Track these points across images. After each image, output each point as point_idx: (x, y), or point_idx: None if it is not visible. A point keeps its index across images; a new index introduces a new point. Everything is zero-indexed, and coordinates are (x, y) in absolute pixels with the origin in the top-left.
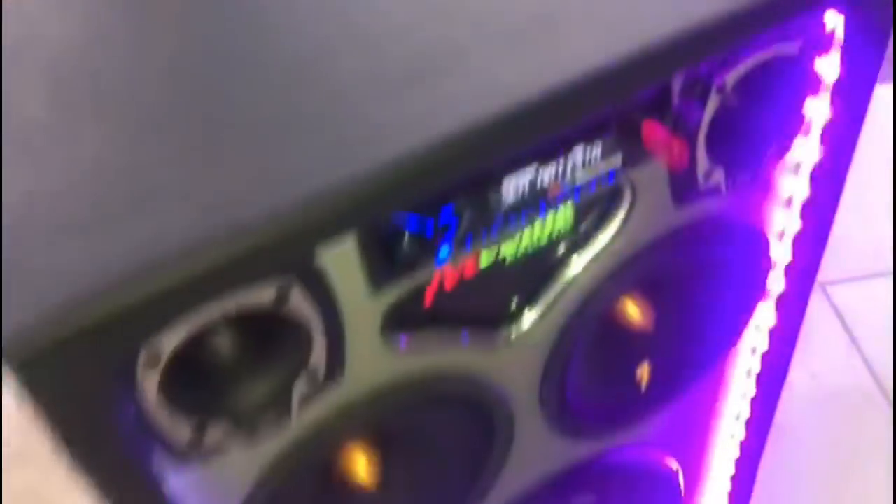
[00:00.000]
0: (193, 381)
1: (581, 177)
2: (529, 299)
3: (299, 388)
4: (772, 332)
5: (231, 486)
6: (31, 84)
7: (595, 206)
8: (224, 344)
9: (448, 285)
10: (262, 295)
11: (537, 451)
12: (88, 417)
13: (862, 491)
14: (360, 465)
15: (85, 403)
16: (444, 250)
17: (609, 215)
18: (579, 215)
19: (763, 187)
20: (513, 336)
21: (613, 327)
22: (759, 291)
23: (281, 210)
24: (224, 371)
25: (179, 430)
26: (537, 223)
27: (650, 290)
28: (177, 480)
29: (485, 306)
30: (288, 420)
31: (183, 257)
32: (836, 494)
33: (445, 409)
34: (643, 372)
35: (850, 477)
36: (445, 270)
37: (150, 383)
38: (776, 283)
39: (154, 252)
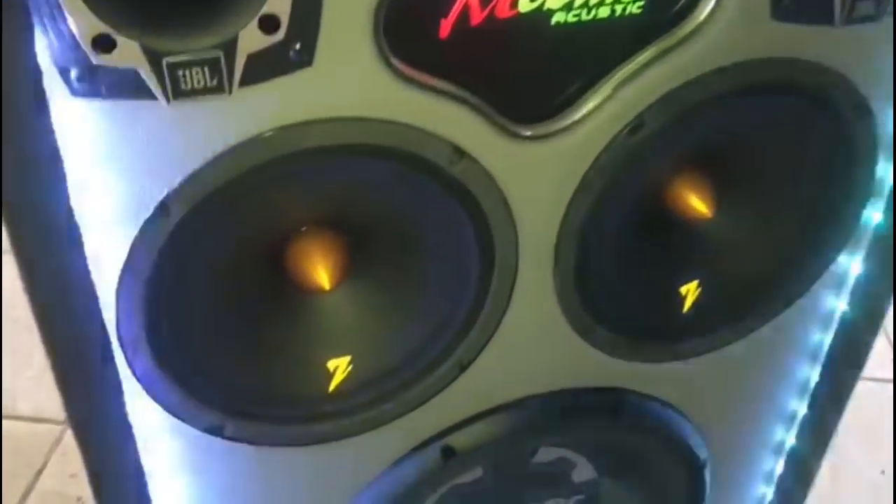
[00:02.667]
0: None
1: None
2: (568, 91)
3: (247, 40)
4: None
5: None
6: None
7: None
8: None
9: (474, 19)
10: None
11: (537, 325)
12: None
13: None
14: (316, 257)
15: None
16: None
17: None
18: None
19: None
20: (534, 134)
21: (664, 215)
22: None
23: None
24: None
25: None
26: None
27: (721, 168)
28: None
29: (511, 77)
30: (225, 89)
31: None
32: None
33: (431, 199)
34: (689, 291)
35: None
36: None
37: None
38: None
39: None
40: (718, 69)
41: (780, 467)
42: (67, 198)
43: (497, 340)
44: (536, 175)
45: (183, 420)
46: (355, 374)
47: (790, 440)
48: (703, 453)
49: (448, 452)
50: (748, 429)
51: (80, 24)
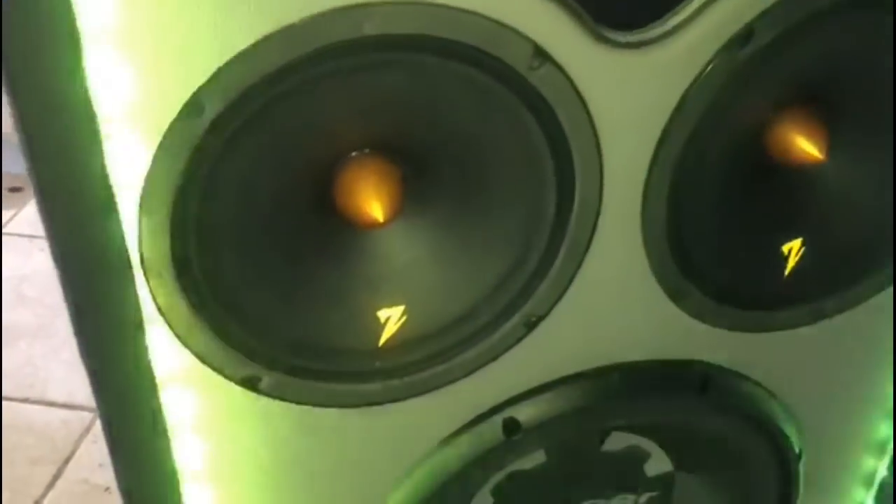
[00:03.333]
0: None
1: None
2: None
3: None
4: None
5: None
6: None
7: None
8: None
9: None
10: None
11: (619, 278)
12: None
13: None
14: (368, 185)
15: None
16: None
17: None
18: None
19: None
20: (629, 41)
21: (768, 159)
22: None
23: None
24: None
25: None
26: None
27: (836, 104)
28: None
29: None
30: None
31: None
32: None
33: (503, 116)
34: (792, 250)
35: None
36: None
37: None
38: None
39: None
40: None
41: (882, 469)
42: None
43: (572, 294)
44: (629, 90)
45: (214, 369)
46: (409, 326)
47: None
48: (797, 444)
49: (511, 426)
50: (847, 421)
51: None
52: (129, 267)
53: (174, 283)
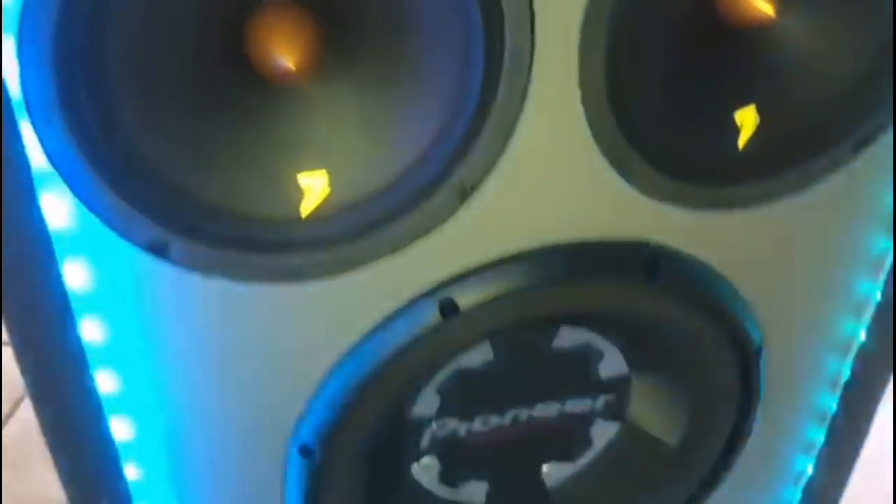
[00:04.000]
0: None
1: None
2: None
3: None
4: None
5: None
6: None
7: None
8: None
9: None
10: None
11: (557, 144)
12: None
13: None
14: (279, 33)
15: None
16: None
17: None
18: None
19: None
20: None
21: (717, 16)
22: None
23: None
24: None
25: None
26: None
27: None
28: None
29: None
30: None
31: None
32: None
33: None
34: (745, 119)
35: None
36: None
37: None
38: None
39: None
40: None
41: (847, 371)
42: None
43: (506, 162)
44: None
45: (118, 233)
46: (333, 194)
47: (862, 336)
48: (757, 335)
49: (448, 307)
50: (811, 318)
51: None
52: None
53: (62, 124)
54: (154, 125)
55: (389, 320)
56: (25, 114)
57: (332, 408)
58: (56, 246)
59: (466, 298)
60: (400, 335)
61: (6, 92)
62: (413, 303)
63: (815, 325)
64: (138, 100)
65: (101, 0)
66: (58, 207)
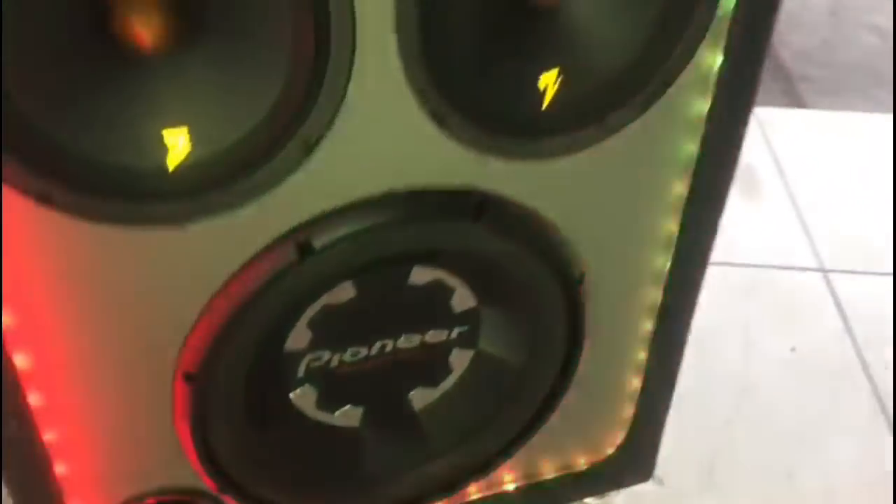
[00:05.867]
0: None
1: None
2: None
3: None
4: None
5: None
6: None
7: None
8: None
9: None
10: None
11: (385, 103)
12: None
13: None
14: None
15: None
16: None
17: None
18: None
19: None
20: None
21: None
22: None
23: None
24: None
25: None
26: None
27: None
28: None
29: None
30: None
31: None
32: (796, 459)
33: None
34: (549, 81)
35: (815, 447)
36: None
37: None
38: None
39: None
40: None
41: (660, 296)
42: None
43: (343, 117)
44: None
45: (9, 184)
46: (194, 150)
47: (667, 265)
48: (577, 268)
49: (304, 248)
50: (624, 253)
51: None
52: None
53: None
54: (33, 89)
55: (253, 260)
56: None
57: (209, 339)
58: None
59: (320, 240)
60: (263, 273)
61: None
62: (272, 245)
63: (628, 259)
64: (18, 67)
65: None
66: None
